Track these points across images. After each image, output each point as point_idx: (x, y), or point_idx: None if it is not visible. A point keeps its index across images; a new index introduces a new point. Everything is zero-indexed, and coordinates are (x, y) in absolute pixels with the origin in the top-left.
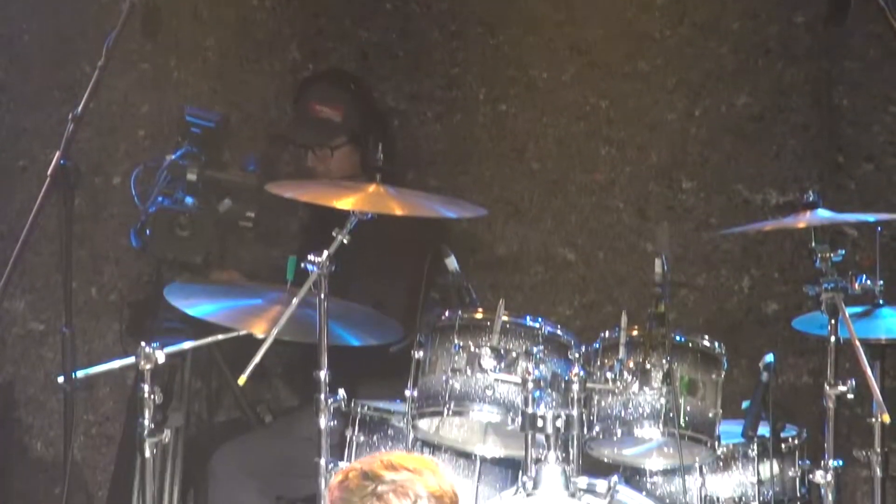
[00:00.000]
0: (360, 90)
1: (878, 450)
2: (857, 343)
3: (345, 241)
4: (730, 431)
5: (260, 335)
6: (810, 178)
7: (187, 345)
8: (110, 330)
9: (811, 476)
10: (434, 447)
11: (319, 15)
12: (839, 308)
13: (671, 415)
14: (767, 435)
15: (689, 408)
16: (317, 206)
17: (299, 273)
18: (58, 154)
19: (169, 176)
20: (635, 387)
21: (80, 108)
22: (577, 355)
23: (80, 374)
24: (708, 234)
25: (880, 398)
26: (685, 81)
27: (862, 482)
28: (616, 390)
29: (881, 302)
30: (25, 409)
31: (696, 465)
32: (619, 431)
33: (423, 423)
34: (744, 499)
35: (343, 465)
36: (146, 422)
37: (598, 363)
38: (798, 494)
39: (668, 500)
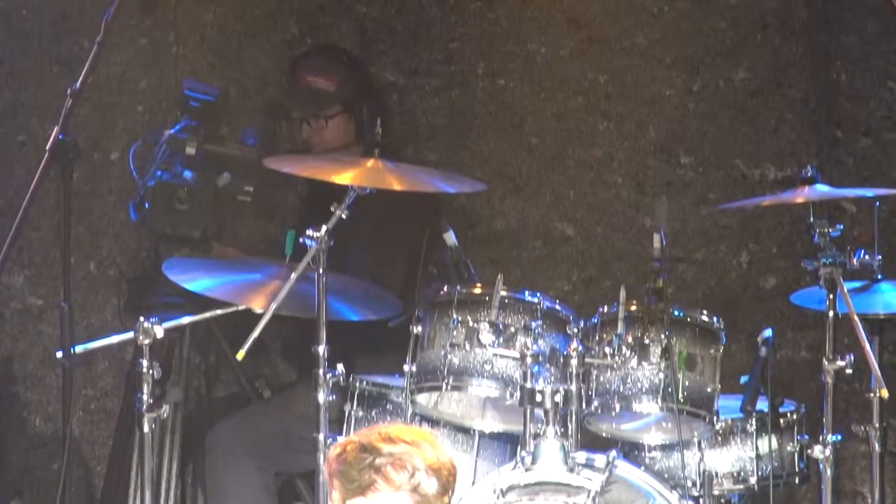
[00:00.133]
0: (352, 62)
1: (877, 425)
2: (856, 318)
3: (343, 216)
4: (728, 406)
5: (258, 310)
6: (808, 153)
7: (186, 320)
8: (109, 305)
9: (809, 451)
10: (433, 422)
11: None
12: (837, 283)
13: (670, 390)
14: (766, 410)
15: (687, 383)
16: (315, 180)
17: (298, 248)
18: (56, 129)
19: (168, 150)
20: (634, 362)
21: (78, 84)
22: (575, 330)
23: (78, 349)
24: (706, 209)
25: (878, 373)
26: (683, 56)
27: (860, 457)
28: (614, 365)
29: (879, 277)
30: (24, 384)
31: (695, 440)
32: (617, 406)
33: (422, 398)
34: (742, 473)
35: (342, 439)
36: (145, 397)
37: (597, 338)
38: (796, 469)
39: (666, 475)
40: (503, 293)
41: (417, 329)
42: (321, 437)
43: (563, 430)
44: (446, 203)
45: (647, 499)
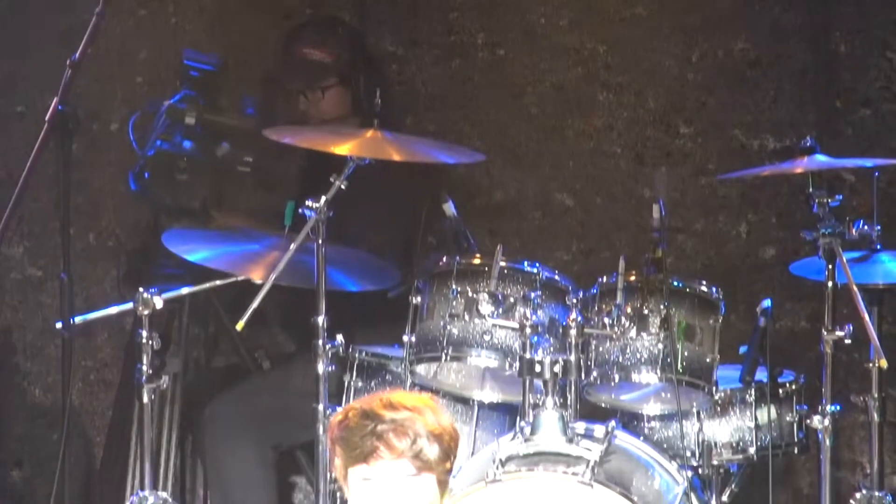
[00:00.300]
0: (348, 33)
1: (876, 395)
2: (855, 288)
3: (342, 187)
4: (727, 377)
5: (258, 281)
6: (807, 124)
7: (185, 290)
8: (108, 276)
9: (808, 421)
10: (432, 392)
11: None
12: (836, 253)
13: (669, 360)
14: (765, 380)
15: (686, 353)
16: (315, 151)
17: (297, 218)
18: (56, 100)
19: (168, 120)
20: (633, 332)
21: (78, 55)
22: (574, 301)
23: (78, 319)
24: (705, 179)
25: (878, 343)
26: (682, 26)
27: (859, 427)
28: (614, 335)
29: (878, 247)
30: (24, 355)
31: (694, 411)
32: (616, 377)
33: (421, 369)
34: (741, 444)
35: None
36: (144, 367)
37: (596, 308)
38: (795, 439)
39: (665, 445)
40: (502, 264)
41: (417, 299)
42: (321, 407)
43: (562, 400)
44: (446, 173)
45: (647, 469)
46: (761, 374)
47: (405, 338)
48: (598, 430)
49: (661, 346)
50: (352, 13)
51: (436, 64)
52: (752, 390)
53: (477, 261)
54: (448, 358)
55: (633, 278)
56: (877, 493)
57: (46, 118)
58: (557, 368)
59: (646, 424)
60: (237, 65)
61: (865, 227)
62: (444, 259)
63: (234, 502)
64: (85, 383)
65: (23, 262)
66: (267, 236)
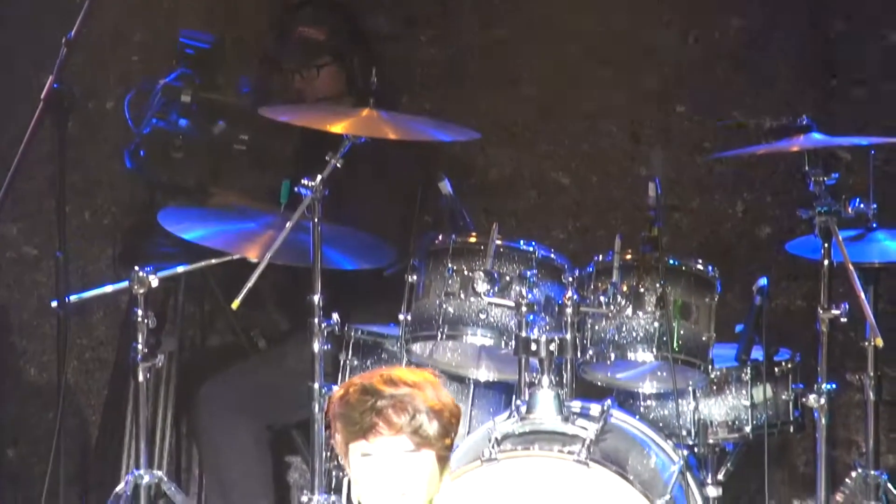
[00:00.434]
0: (344, 12)
1: (871, 373)
2: (851, 267)
3: (338, 165)
4: (723, 355)
5: (253, 259)
6: (803, 102)
7: (181, 269)
8: (104, 254)
9: (804, 400)
10: None
11: None
12: (832, 231)
13: (665, 339)
14: (761, 359)
15: (682, 332)
16: (311, 130)
17: (293, 197)
18: (51, 78)
19: (163, 98)
20: (629, 311)
21: (73, 33)
22: (570, 279)
23: (73, 298)
24: (701, 158)
25: (873, 322)
26: (679, 6)
27: (855, 406)
28: (609, 314)
29: (874, 225)
30: (19, 333)
31: (690, 389)
32: (612, 355)
33: (417, 347)
34: (737, 422)
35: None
36: (140, 346)
37: (592, 287)
38: (791, 418)
39: (661, 424)
40: (498, 242)
41: (412, 278)
42: (316, 386)
43: (557, 379)
44: (442, 152)
45: (642, 447)
46: (757, 353)
47: (401, 316)
48: (594, 408)
49: (656, 324)
50: None
51: (432, 43)
52: (748, 369)
53: (473, 239)
54: (444, 336)
55: (629, 257)
56: (872, 472)
57: (42, 96)
58: (553, 347)
59: (642, 403)
60: (233, 43)
61: (861, 206)
62: (440, 238)
63: (229, 481)
64: (80, 362)
65: (18, 241)
66: (263, 215)
